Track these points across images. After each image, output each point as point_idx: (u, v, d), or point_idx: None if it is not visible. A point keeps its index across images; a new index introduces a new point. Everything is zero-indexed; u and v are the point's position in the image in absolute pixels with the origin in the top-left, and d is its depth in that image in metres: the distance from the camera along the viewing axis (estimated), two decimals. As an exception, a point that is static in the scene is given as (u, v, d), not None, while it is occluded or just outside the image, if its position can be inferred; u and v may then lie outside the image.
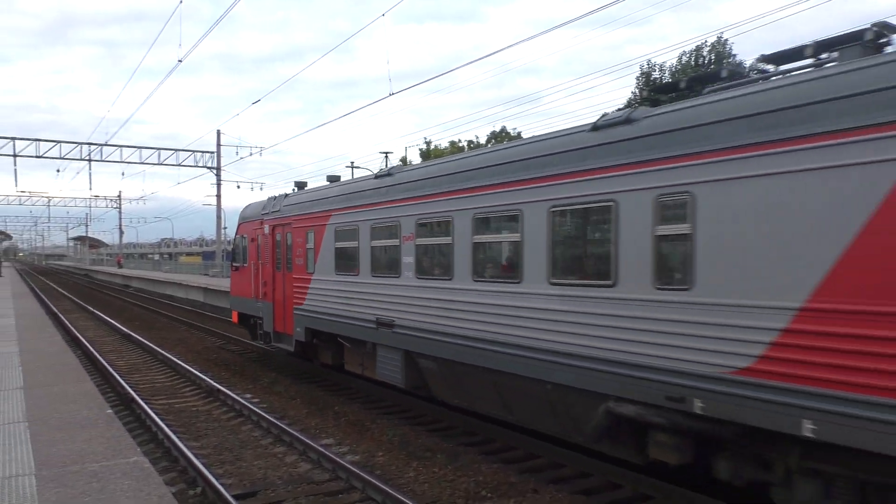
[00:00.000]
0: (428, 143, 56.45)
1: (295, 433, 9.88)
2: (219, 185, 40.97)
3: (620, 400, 7.05)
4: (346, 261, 12.24)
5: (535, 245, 8.05)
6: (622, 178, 6.96)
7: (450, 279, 9.43)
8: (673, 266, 6.59)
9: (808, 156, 5.40)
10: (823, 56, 6.14)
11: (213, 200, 42.13)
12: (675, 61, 45.09)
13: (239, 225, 17.95)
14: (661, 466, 7.42)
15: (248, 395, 13.21)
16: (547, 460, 9.05)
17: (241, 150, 41.04)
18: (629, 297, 6.87)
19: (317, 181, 18.20)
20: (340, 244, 12.41)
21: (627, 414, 7.00)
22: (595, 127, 7.47)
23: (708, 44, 43.71)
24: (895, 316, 4.91)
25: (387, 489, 7.52)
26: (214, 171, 40.86)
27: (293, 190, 15.74)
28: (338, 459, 8.61)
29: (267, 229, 15.80)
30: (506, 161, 8.64)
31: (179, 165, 40.86)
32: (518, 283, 8.28)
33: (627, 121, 7.09)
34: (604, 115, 7.56)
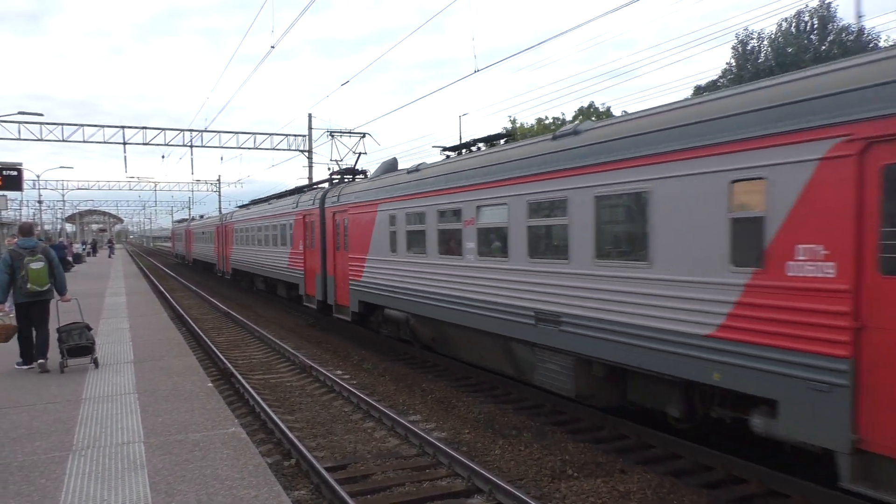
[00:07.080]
0: (513, 122, 55.77)
1: (384, 409, 10.13)
2: (310, 167, 41.89)
3: None
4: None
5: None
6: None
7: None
8: None
9: None
10: None
11: (306, 182, 43.22)
12: (773, 28, 42.78)
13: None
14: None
15: (339, 372, 13.62)
16: (635, 441, 8.91)
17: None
18: None
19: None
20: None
21: None
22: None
23: (809, 7, 41.11)
24: None
25: (473, 466, 7.60)
26: (306, 154, 41.87)
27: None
28: (425, 436, 8.77)
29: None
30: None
31: (274, 149, 42.09)
32: None
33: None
34: None
